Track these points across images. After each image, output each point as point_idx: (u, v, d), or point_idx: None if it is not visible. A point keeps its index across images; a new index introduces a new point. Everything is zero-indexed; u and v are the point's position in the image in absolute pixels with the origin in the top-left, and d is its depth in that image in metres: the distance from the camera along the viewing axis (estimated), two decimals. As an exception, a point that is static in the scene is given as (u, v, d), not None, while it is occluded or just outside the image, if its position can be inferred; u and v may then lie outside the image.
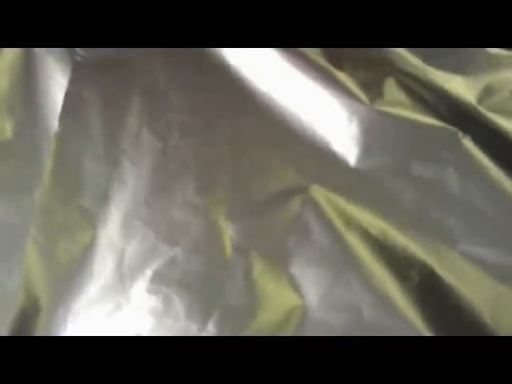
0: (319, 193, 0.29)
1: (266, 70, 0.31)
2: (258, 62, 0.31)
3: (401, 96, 0.30)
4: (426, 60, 0.30)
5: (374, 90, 0.30)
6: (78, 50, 0.32)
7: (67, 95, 0.32)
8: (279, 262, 0.28)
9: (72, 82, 0.32)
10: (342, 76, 0.31)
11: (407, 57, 0.30)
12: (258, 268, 0.28)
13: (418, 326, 0.26)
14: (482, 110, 0.29)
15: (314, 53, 0.31)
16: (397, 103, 0.30)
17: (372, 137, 0.29)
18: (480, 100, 0.29)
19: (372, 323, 0.27)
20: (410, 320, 0.26)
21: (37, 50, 0.33)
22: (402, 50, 0.30)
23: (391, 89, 0.30)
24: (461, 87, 0.29)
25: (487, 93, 0.29)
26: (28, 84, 0.32)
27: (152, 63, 0.32)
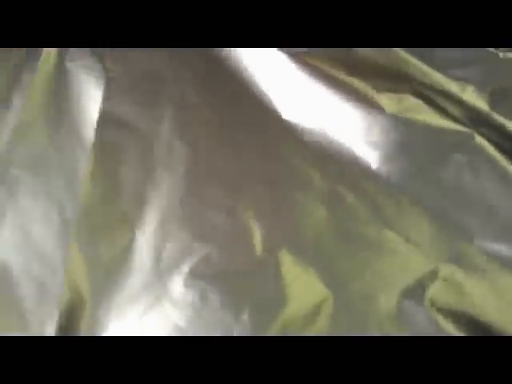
0: (343, 194, 0.31)
1: (283, 80, 0.33)
2: (279, 73, 0.33)
3: (417, 102, 0.32)
4: (440, 69, 0.31)
5: (390, 96, 0.32)
6: (109, 64, 0.34)
7: (102, 109, 0.33)
8: (308, 258, 0.30)
9: (106, 96, 0.34)
10: (358, 83, 0.32)
11: (421, 66, 0.32)
12: (288, 264, 0.30)
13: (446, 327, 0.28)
14: (495, 114, 0.30)
15: (329, 62, 0.33)
16: (412, 109, 0.31)
17: (391, 142, 0.31)
18: (493, 105, 0.30)
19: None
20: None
21: (70, 65, 0.34)
22: (416, 61, 0.32)
23: (407, 95, 0.32)
24: (474, 94, 0.31)
25: (500, 97, 0.31)
26: (63, 98, 0.34)
27: (180, 75, 0.34)
